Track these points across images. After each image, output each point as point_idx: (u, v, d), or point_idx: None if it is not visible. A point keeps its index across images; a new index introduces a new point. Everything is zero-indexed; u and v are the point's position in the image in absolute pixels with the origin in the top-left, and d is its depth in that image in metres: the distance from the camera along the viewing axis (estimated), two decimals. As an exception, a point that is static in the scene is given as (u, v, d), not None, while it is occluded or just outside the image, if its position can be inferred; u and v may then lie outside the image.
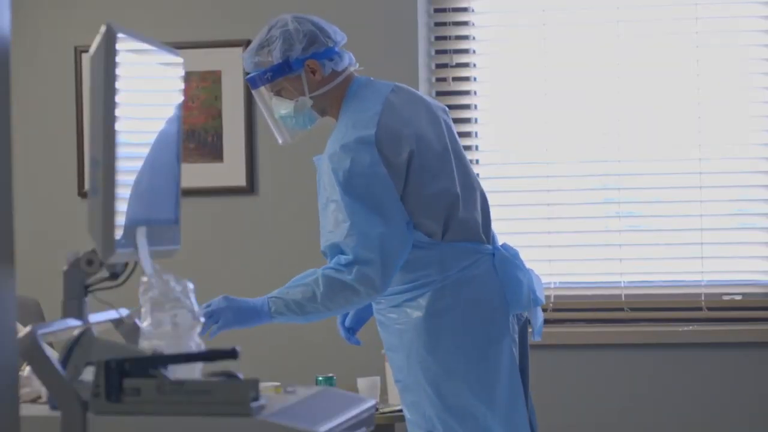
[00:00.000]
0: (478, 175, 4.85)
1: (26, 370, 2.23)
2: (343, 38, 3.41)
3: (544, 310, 4.80)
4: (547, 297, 4.84)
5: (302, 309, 3.25)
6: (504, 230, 4.92)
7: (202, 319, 2.11)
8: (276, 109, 3.39)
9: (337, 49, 3.37)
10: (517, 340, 3.34)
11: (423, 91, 4.86)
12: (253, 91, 3.43)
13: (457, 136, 3.46)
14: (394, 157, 3.23)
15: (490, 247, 3.36)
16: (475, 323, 3.29)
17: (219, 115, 4.93)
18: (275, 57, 3.31)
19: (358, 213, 3.19)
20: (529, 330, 3.44)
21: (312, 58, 3.31)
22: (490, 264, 3.33)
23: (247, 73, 3.40)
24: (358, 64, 3.45)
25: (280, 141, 3.51)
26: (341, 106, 3.36)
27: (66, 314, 2.11)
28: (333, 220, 3.23)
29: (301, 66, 3.31)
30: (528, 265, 3.41)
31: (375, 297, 3.26)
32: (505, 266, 3.33)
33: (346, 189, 3.20)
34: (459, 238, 3.31)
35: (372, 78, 3.45)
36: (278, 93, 3.36)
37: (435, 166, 3.29)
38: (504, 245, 3.40)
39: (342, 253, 3.21)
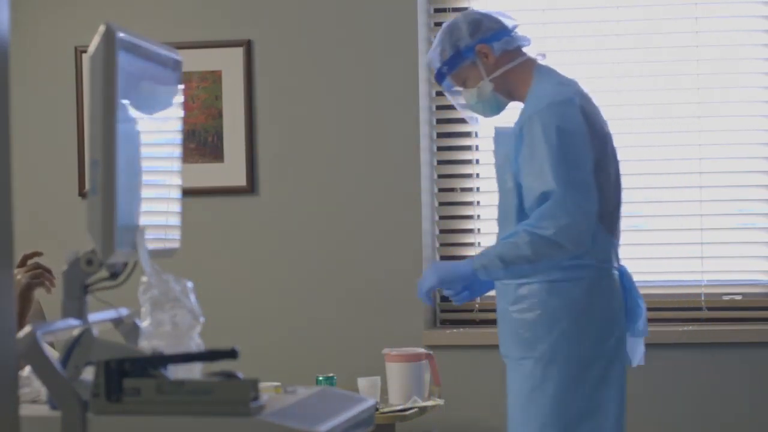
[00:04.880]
0: (477, 175, 4.91)
1: (26, 370, 2.23)
2: (514, 23, 3.56)
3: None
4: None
5: (504, 260, 3.31)
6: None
7: (202, 319, 2.11)
8: (465, 100, 3.57)
9: (506, 31, 3.52)
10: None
11: (422, 91, 4.87)
12: (445, 92, 3.64)
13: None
14: (596, 128, 3.37)
15: (618, 265, 3.47)
16: (616, 329, 3.39)
17: (219, 115, 4.93)
18: (448, 50, 3.50)
19: (565, 169, 3.27)
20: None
21: (481, 43, 3.48)
22: (619, 281, 3.43)
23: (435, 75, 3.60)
24: (545, 54, 3.59)
25: (475, 126, 3.83)
26: (530, 86, 3.46)
27: (66, 314, 2.11)
28: (541, 171, 3.29)
29: (472, 52, 3.49)
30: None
31: (575, 253, 3.30)
32: (631, 288, 3.45)
33: (557, 144, 3.29)
34: (616, 238, 3.44)
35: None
36: (464, 84, 3.53)
37: (614, 160, 3.43)
38: (625, 268, 3.48)
39: (546, 202, 3.28)
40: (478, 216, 4.92)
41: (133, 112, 2.12)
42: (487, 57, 3.48)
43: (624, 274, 3.45)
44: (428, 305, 3.37)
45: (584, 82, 4.69)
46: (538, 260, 3.29)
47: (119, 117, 2.05)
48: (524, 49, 3.55)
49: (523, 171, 3.34)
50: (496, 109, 3.55)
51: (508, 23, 3.54)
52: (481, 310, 4.85)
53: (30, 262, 3.15)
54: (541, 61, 3.56)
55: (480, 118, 3.68)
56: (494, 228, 4.94)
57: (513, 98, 3.52)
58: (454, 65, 3.50)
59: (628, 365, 3.50)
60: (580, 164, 3.30)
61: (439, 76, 3.55)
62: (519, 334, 3.40)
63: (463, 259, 3.46)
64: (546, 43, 4.88)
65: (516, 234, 3.31)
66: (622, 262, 3.51)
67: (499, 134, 3.49)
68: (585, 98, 3.43)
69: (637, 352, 3.48)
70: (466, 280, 3.40)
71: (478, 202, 4.93)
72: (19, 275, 3.09)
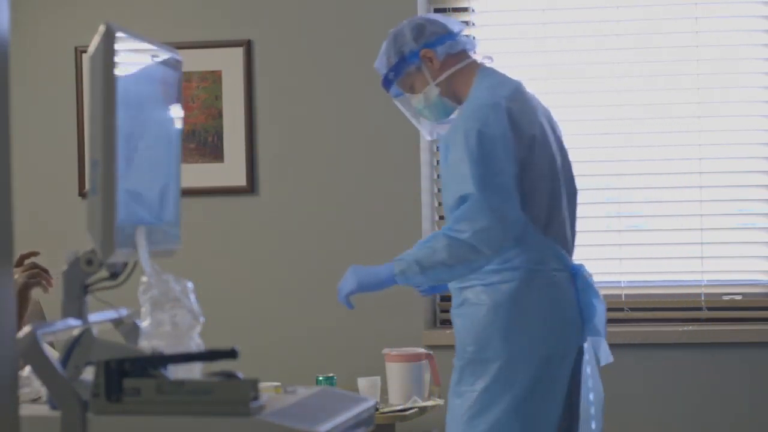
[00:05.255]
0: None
1: (26, 370, 2.23)
2: (460, 27, 3.54)
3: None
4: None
5: (421, 265, 3.29)
6: (504, 230, 4.93)
7: (202, 319, 2.11)
8: (413, 105, 3.54)
9: (450, 36, 3.49)
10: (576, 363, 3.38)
11: (423, 91, 4.87)
12: (395, 99, 3.60)
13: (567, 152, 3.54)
14: (519, 132, 3.32)
15: (572, 264, 3.42)
16: (552, 332, 3.34)
17: (219, 115, 4.93)
18: (393, 57, 3.49)
19: (483, 174, 3.26)
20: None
21: (425, 48, 3.47)
22: (571, 280, 3.39)
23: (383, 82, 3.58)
24: (491, 57, 3.56)
25: (427, 138, 3.70)
26: (472, 86, 3.45)
27: (65, 314, 2.10)
28: (459, 177, 3.29)
29: (416, 57, 3.48)
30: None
31: (493, 257, 3.28)
32: (585, 288, 3.39)
33: (476, 148, 3.27)
34: (556, 240, 3.38)
35: (504, 73, 3.56)
36: (412, 90, 3.52)
37: (548, 161, 3.38)
38: (583, 267, 3.45)
39: (463, 205, 3.27)
40: (478, 216, 4.92)
41: (133, 112, 2.12)
42: (432, 61, 3.46)
43: (578, 275, 3.39)
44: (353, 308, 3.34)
45: (584, 82, 4.69)
46: (455, 264, 3.27)
47: (119, 117, 2.05)
48: (477, 54, 3.53)
49: (446, 175, 3.35)
50: (444, 113, 3.52)
51: (454, 27, 3.51)
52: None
53: (27, 261, 3.15)
54: (489, 63, 3.53)
55: (431, 130, 3.63)
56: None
57: (460, 102, 3.49)
58: (400, 71, 3.49)
59: (599, 364, 3.47)
60: (500, 168, 3.27)
61: (386, 83, 3.53)
62: (458, 335, 3.42)
63: (384, 264, 3.41)
64: (546, 43, 4.89)
65: (434, 238, 3.30)
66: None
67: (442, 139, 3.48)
68: (517, 101, 3.37)
69: (601, 350, 3.45)
70: (386, 284, 3.37)
71: (478, 202, 4.92)
72: (16, 275, 3.09)
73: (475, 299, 3.37)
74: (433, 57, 3.46)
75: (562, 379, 3.34)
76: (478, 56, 3.53)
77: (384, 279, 3.36)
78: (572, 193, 3.48)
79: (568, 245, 3.43)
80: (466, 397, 3.35)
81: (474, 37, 3.60)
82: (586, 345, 3.41)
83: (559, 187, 3.40)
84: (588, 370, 3.41)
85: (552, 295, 3.35)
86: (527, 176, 3.32)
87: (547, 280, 3.35)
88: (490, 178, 3.26)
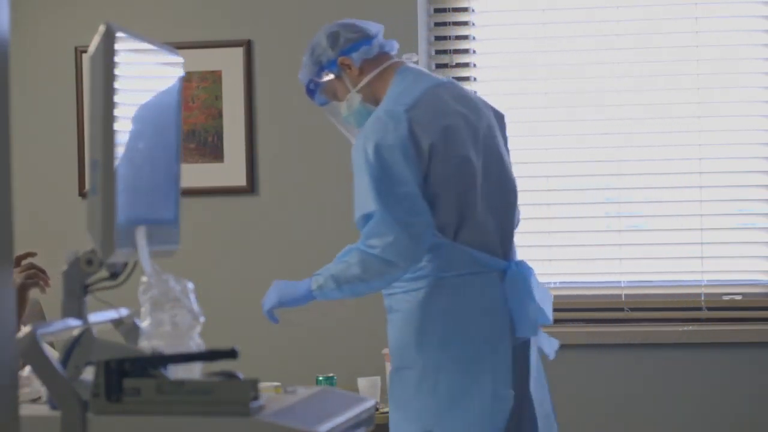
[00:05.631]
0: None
1: (26, 370, 2.23)
2: (377, 30, 3.51)
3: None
4: (547, 297, 4.84)
5: (337, 280, 3.28)
6: (504, 230, 4.93)
7: (202, 319, 2.11)
8: (338, 113, 3.52)
9: (365, 40, 3.47)
10: (509, 362, 3.32)
11: (423, 91, 4.86)
12: (322, 107, 3.57)
13: (506, 144, 3.51)
14: (421, 140, 3.27)
15: (503, 262, 3.36)
16: (467, 335, 3.30)
17: (219, 115, 4.93)
18: (312, 67, 3.47)
19: (385, 186, 3.23)
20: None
21: (342, 56, 3.44)
22: (498, 280, 3.34)
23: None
24: (414, 55, 3.55)
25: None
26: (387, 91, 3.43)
27: (65, 314, 2.10)
28: (364, 191, 3.27)
29: (334, 65, 3.45)
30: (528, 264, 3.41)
31: (409, 266, 3.26)
32: (515, 287, 3.34)
33: (374, 161, 3.25)
34: (471, 243, 3.32)
35: (425, 70, 3.54)
36: (336, 98, 3.49)
37: (459, 162, 3.32)
38: (520, 263, 3.40)
39: (370, 221, 3.25)
40: (478, 216, 4.92)
41: (133, 112, 2.12)
42: (350, 68, 3.43)
43: (509, 279, 3.33)
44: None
45: (584, 82, 4.69)
46: (371, 279, 3.26)
47: (119, 117, 2.05)
48: (396, 55, 3.50)
49: (354, 190, 3.32)
50: (367, 120, 3.46)
51: (371, 30, 3.48)
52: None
53: (24, 262, 3.15)
54: (412, 61, 3.49)
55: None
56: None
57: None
58: (320, 80, 3.46)
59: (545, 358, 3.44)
60: (401, 179, 3.23)
61: (310, 93, 3.51)
62: (389, 342, 3.41)
63: (305, 279, 3.40)
64: (546, 43, 4.89)
65: (349, 252, 3.30)
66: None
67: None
68: (421, 106, 3.31)
69: (544, 345, 3.42)
70: (305, 300, 3.36)
71: (478, 202, 4.92)
72: (14, 275, 3.09)
73: (396, 306, 3.36)
74: (351, 64, 3.43)
75: (497, 380, 3.28)
76: (398, 57, 3.49)
77: (302, 294, 3.35)
78: (505, 190, 3.43)
79: (491, 246, 3.35)
80: (399, 406, 3.34)
81: (395, 42, 3.53)
82: (533, 338, 3.38)
83: (474, 188, 3.33)
84: (533, 362, 3.39)
85: (460, 301, 3.30)
86: (430, 184, 3.27)
87: (455, 286, 3.30)
88: (391, 191, 3.23)
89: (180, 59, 2.33)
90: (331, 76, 3.45)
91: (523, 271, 3.37)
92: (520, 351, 3.37)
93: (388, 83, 3.42)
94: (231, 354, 1.97)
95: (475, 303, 3.31)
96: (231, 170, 4.92)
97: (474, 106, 3.43)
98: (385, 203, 3.22)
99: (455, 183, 3.30)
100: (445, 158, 3.29)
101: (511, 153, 3.56)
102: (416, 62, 3.56)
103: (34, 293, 3.21)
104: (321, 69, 3.46)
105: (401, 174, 3.23)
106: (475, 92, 3.53)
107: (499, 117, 3.53)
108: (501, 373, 3.29)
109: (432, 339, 3.29)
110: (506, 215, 3.43)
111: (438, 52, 4.96)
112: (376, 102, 3.43)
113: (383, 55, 3.47)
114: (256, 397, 1.97)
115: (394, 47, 3.51)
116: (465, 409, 3.27)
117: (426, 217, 3.25)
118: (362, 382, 4.38)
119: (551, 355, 3.46)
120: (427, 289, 3.29)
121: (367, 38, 3.46)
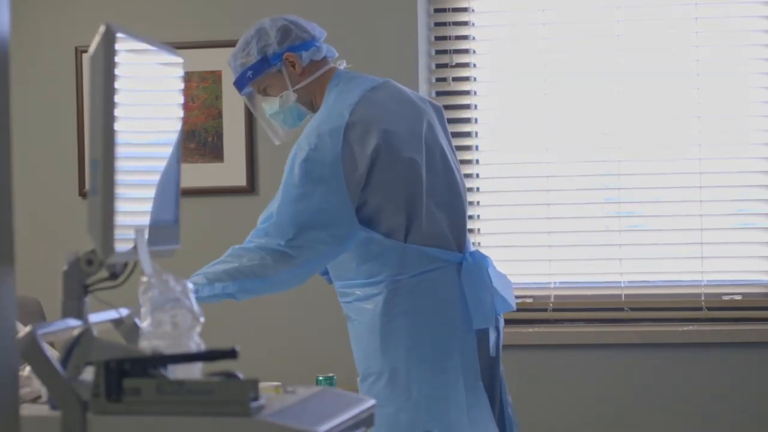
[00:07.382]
0: (477, 175, 4.91)
1: (26, 370, 2.23)
2: (321, 33, 3.48)
3: (544, 310, 4.82)
4: (547, 297, 4.84)
5: (231, 276, 3.32)
6: (504, 230, 4.93)
7: (202, 319, 2.11)
8: (265, 108, 3.47)
9: (314, 41, 3.44)
10: (475, 353, 3.32)
11: (423, 91, 4.86)
12: (243, 96, 3.51)
13: (447, 137, 3.48)
14: (360, 148, 3.25)
15: (458, 255, 3.35)
16: (431, 332, 3.29)
17: (219, 115, 4.93)
18: (254, 55, 3.40)
19: (289, 190, 3.25)
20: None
21: (289, 51, 3.39)
22: (455, 273, 3.33)
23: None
24: (344, 61, 3.51)
25: (275, 142, 3.60)
26: (324, 96, 3.40)
27: (65, 314, 2.11)
28: (279, 196, 3.30)
29: (279, 60, 3.40)
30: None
31: (287, 270, 3.28)
32: (470, 279, 3.32)
33: (295, 170, 3.25)
34: (423, 242, 3.31)
35: (360, 73, 3.49)
36: (265, 92, 3.44)
37: (403, 165, 3.30)
38: (474, 253, 3.38)
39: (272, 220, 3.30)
40: (479, 216, 4.92)
41: (133, 112, 2.12)
42: (294, 66, 3.39)
43: (465, 271, 3.31)
44: None
45: (584, 81, 4.67)
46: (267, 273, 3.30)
47: (119, 117, 2.05)
48: (334, 62, 3.49)
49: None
50: (297, 120, 3.47)
51: (316, 33, 3.45)
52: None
53: None
54: (343, 67, 3.47)
55: (281, 134, 3.57)
56: (495, 227, 4.95)
57: (314, 110, 3.43)
58: (259, 71, 3.41)
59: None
60: (324, 190, 3.23)
61: (243, 81, 3.43)
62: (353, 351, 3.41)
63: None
64: (546, 43, 4.89)
65: (241, 251, 3.37)
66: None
67: None
68: (362, 114, 3.27)
69: (491, 339, 3.39)
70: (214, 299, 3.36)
71: (478, 202, 4.93)
72: None
73: (355, 315, 3.37)
74: (296, 61, 3.39)
75: (466, 373, 3.27)
76: (335, 64, 3.47)
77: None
78: (451, 183, 3.41)
79: (444, 241, 3.34)
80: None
81: (334, 49, 3.51)
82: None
83: (420, 189, 3.31)
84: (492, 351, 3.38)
85: (419, 300, 3.29)
86: (374, 190, 3.26)
87: (412, 286, 3.29)
88: (304, 199, 3.23)
89: (180, 59, 2.33)
90: (271, 70, 3.41)
91: (479, 261, 3.36)
92: (482, 342, 3.35)
93: (325, 88, 3.40)
94: (231, 354, 1.97)
95: (434, 300, 3.30)
96: (231, 170, 4.92)
97: (412, 105, 3.42)
98: (282, 206, 3.26)
99: (402, 186, 3.29)
100: (389, 164, 3.27)
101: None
102: (350, 67, 3.52)
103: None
104: (265, 60, 3.40)
105: (324, 186, 3.22)
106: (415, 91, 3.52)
107: (437, 109, 3.51)
108: (469, 365, 3.29)
109: (397, 342, 3.29)
110: (455, 208, 3.41)
111: (438, 52, 4.96)
112: (310, 104, 3.42)
113: (325, 59, 3.45)
114: (256, 397, 1.97)
115: (334, 54, 3.48)
116: (443, 408, 3.27)
117: (349, 229, 3.25)
118: (362, 382, 4.37)
119: (492, 351, 3.42)
120: (385, 293, 3.29)
121: (314, 39, 3.44)
